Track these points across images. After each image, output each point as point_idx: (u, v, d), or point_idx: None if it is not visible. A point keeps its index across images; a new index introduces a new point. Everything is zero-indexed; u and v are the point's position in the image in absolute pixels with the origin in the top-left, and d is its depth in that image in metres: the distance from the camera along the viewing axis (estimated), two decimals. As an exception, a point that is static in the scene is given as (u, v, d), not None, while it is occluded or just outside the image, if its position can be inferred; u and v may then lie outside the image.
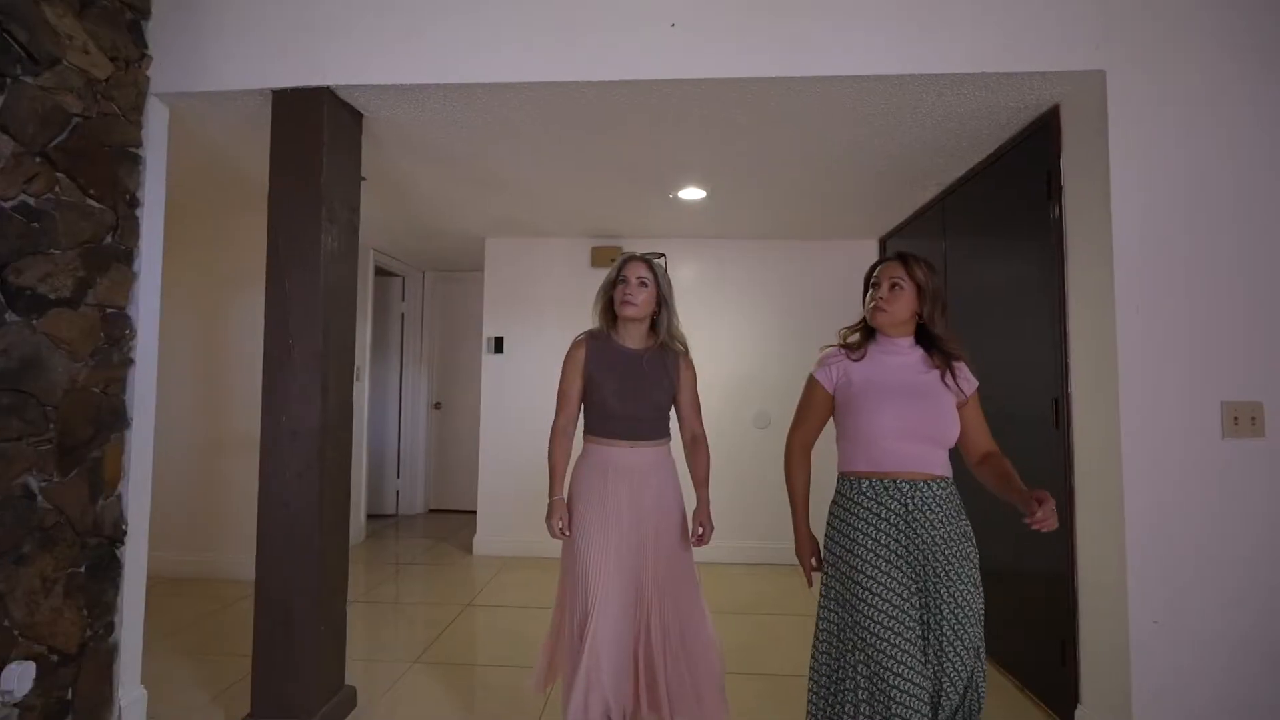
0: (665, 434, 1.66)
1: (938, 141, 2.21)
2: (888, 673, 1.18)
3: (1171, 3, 1.69)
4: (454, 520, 4.58)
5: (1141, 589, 1.60)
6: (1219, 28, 1.68)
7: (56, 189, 1.58)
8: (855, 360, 1.38)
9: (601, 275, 3.69)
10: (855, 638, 1.24)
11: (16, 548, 1.49)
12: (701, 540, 1.63)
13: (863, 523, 1.30)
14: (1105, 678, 1.69)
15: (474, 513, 3.92)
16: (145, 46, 1.83)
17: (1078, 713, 1.77)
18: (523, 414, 3.73)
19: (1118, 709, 1.63)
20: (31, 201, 1.52)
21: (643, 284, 1.60)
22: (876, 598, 1.23)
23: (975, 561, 1.30)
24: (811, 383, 1.44)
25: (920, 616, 1.24)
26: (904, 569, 1.25)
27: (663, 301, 1.64)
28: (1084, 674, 1.77)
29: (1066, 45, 1.71)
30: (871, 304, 1.37)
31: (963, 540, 1.29)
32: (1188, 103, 1.68)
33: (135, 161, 1.81)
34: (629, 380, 1.61)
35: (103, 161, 1.70)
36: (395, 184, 2.73)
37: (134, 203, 1.81)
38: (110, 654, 1.75)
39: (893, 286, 1.34)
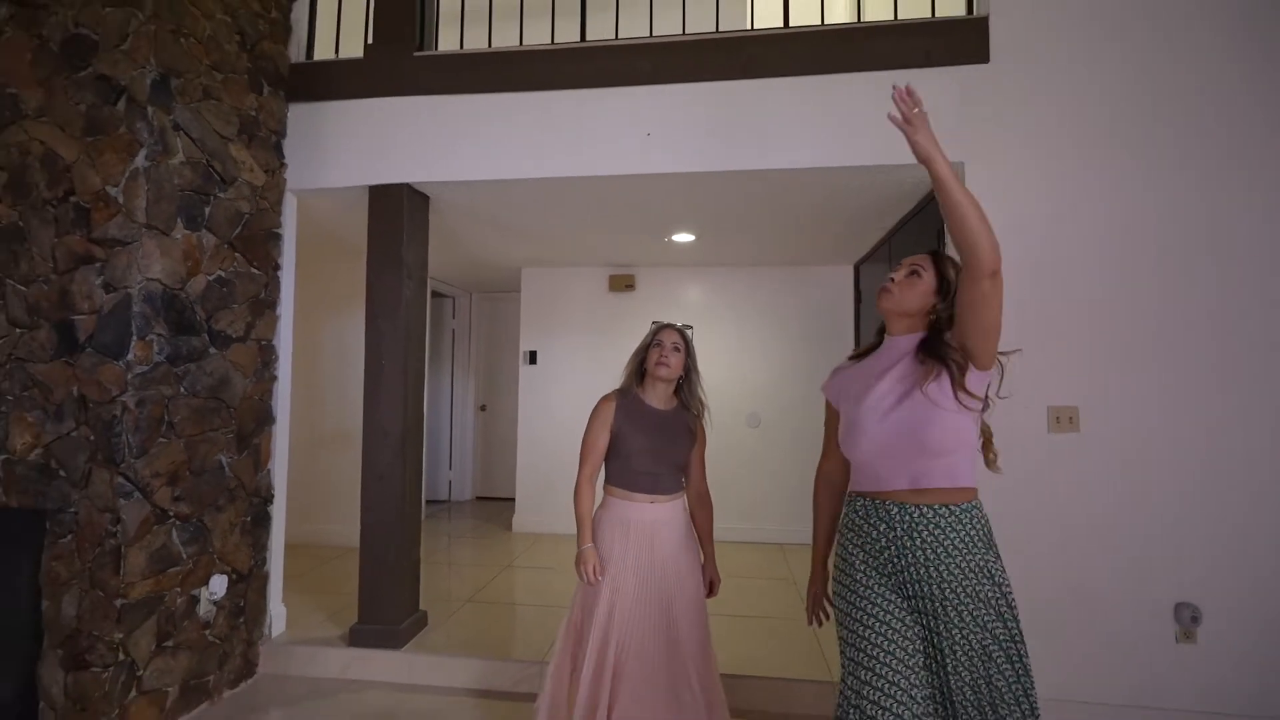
0: (681, 488, 1.78)
1: (870, 202, 2.81)
2: (865, 702, 1.10)
3: (1012, 111, 2.27)
4: (497, 505, 5.36)
5: None
6: (1048, 127, 2.25)
7: (235, 264, 2.38)
8: (850, 364, 1.33)
9: (617, 298, 4.47)
10: (846, 659, 1.18)
11: (215, 501, 2.28)
12: (711, 592, 1.76)
13: (852, 544, 1.23)
14: None
15: (513, 499, 4.68)
16: (283, 158, 2.63)
17: None
18: (554, 416, 4.46)
19: None
20: (223, 274, 2.32)
21: (676, 349, 1.74)
22: (869, 615, 1.16)
23: (996, 603, 1.12)
24: (826, 402, 1.37)
25: (923, 648, 1.13)
26: (898, 598, 1.16)
27: (691, 367, 1.78)
28: None
29: (944, 140, 2.30)
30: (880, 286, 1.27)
31: (976, 577, 1.12)
32: (1024, 184, 2.25)
33: (277, 239, 2.61)
34: (656, 438, 1.71)
35: (260, 242, 2.50)
36: (449, 234, 3.48)
37: (277, 267, 2.61)
38: (265, 578, 2.54)
39: (910, 273, 1.24)
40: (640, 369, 1.78)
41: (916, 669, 1.11)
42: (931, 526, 1.14)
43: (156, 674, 2.05)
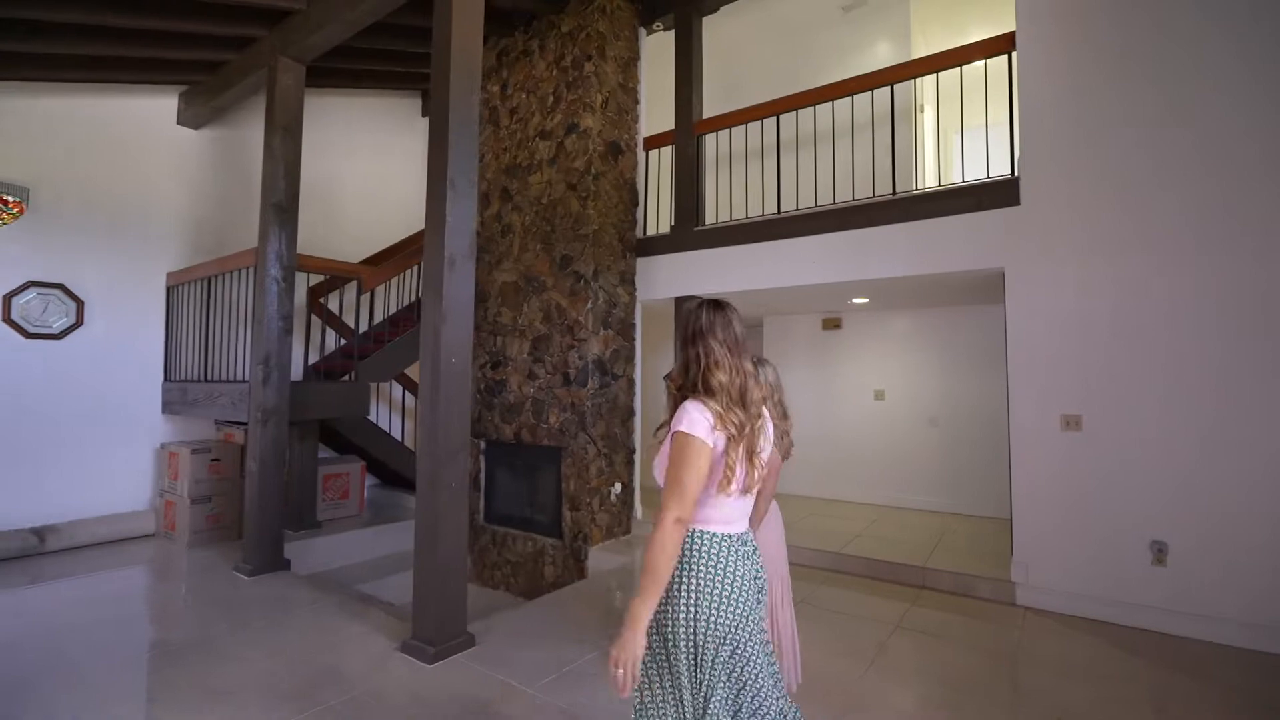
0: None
1: (965, 281, 4.33)
2: None
3: (1035, 234, 3.68)
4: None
5: (1022, 507, 3.67)
6: (1057, 242, 3.61)
7: (618, 342, 5.17)
8: None
9: (828, 335, 6.44)
10: None
11: (616, 449, 5.09)
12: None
13: None
14: (1021, 538, 3.75)
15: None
16: (635, 287, 5.38)
17: (1012, 565, 3.81)
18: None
19: (1005, 564, 3.71)
20: (615, 348, 5.13)
21: None
22: None
23: (661, 652, 1.47)
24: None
25: None
26: None
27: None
28: (1015, 537, 3.81)
29: (989, 254, 3.84)
30: None
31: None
32: (1045, 278, 3.65)
33: (634, 327, 5.35)
34: None
35: (628, 330, 5.27)
36: (715, 307, 5.93)
37: (633, 340, 5.36)
38: (633, 490, 5.30)
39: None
40: None
41: None
42: None
43: (602, 519, 4.89)
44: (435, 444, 2.96)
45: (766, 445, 1.58)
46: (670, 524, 1.41)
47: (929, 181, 5.73)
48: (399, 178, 7.17)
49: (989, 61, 4.00)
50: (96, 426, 4.90)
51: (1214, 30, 3.27)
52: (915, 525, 5.21)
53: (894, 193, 4.26)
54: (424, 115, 7.45)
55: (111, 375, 4.99)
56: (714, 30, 5.56)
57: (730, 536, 1.51)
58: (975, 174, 4.02)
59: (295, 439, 4.89)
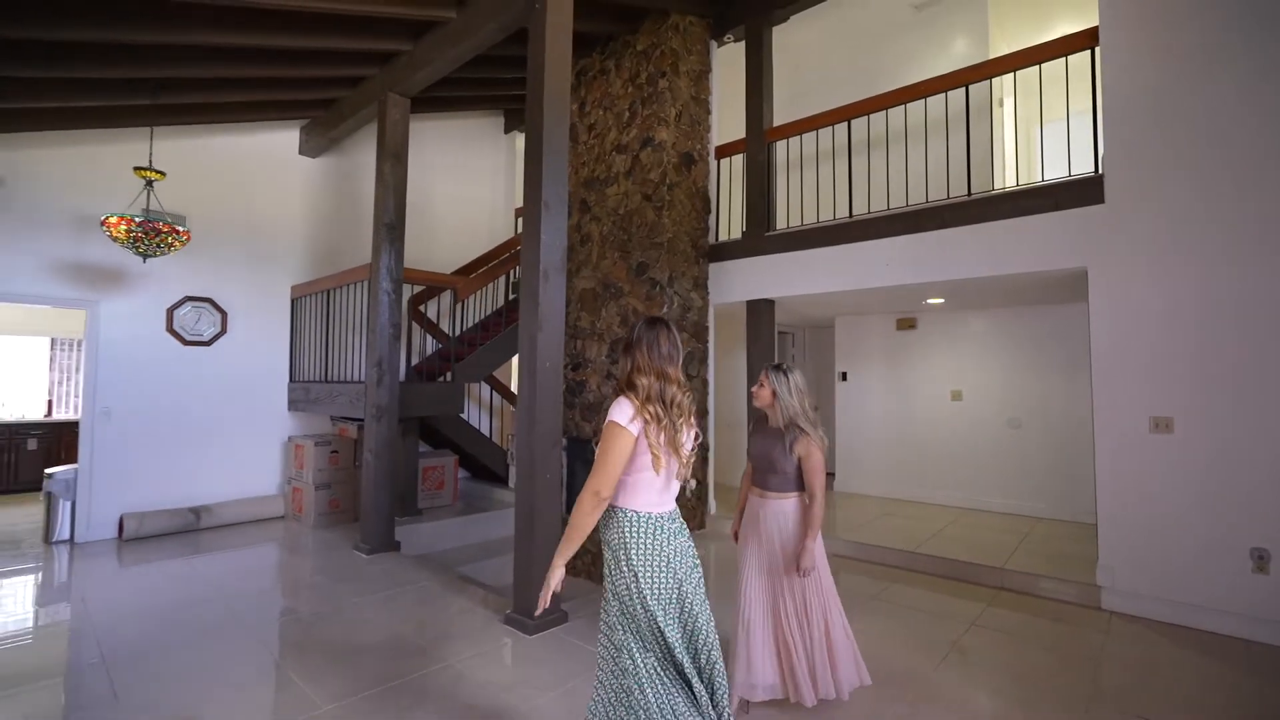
0: (785, 489, 2.39)
1: (1041, 280, 4.25)
2: None
3: (1119, 232, 3.60)
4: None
5: (1109, 509, 3.61)
6: (1140, 239, 3.52)
7: (694, 344, 5.39)
8: None
9: (902, 334, 6.42)
10: None
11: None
12: (795, 570, 2.32)
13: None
14: (1107, 541, 3.69)
15: (833, 472, 6.95)
16: (707, 291, 5.58)
17: (1097, 569, 3.75)
18: (859, 418, 6.58)
19: (1089, 568, 3.65)
20: (689, 350, 5.35)
21: (760, 385, 2.42)
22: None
23: (625, 618, 1.76)
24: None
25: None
26: None
27: (778, 394, 2.38)
28: (1100, 540, 3.74)
29: (1070, 253, 3.79)
30: None
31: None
32: (1128, 275, 3.57)
33: (707, 329, 5.55)
34: (762, 444, 2.41)
35: (702, 332, 5.48)
36: (789, 308, 6.03)
37: (707, 342, 5.56)
38: (707, 485, 5.51)
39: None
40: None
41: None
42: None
43: (675, 513, 5.13)
44: (533, 440, 3.30)
45: (687, 443, 1.87)
46: (589, 496, 1.70)
47: (1009, 176, 5.61)
48: (484, 190, 7.69)
49: (1070, 57, 3.93)
50: (239, 422, 5.63)
51: (1321, 14, 3.11)
52: (993, 527, 5.14)
53: (969, 194, 4.25)
54: (506, 132, 7.95)
55: (250, 377, 5.71)
56: (784, 37, 5.68)
57: (660, 515, 1.81)
58: (1056, 168, 3.96)
59: (399, 434, 5.42)
